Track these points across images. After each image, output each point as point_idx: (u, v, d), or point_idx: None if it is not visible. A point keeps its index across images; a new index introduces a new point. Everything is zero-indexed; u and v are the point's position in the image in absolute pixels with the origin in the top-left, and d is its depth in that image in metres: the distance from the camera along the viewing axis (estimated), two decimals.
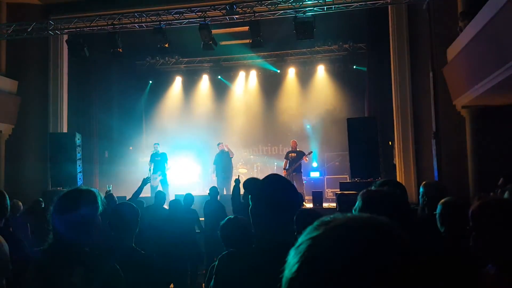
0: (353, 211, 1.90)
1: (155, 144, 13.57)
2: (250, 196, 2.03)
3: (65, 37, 12.80)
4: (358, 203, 1.90)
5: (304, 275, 0.73)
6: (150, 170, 13.06)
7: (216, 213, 7.79)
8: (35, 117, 13.12)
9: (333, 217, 0.81)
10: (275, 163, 15.30)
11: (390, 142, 12.59)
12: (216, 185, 12.79)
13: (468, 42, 8.52)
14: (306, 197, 11.96)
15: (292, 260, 0.77)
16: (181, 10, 11.62)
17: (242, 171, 15.23)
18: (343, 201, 6.72)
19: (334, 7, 10.81)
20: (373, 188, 2.01)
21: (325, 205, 11.22)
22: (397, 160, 11.75)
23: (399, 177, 11.22)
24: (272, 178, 2.04)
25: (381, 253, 0.72)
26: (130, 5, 12.27)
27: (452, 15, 9.42)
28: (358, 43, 15.17)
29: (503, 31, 7.39)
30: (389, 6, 11.57)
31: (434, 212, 3.21)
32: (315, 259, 0.74)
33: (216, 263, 1.97)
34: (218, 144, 13.41)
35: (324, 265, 0.72)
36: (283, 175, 12.33)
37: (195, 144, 15.89)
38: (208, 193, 8.37)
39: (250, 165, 15.56)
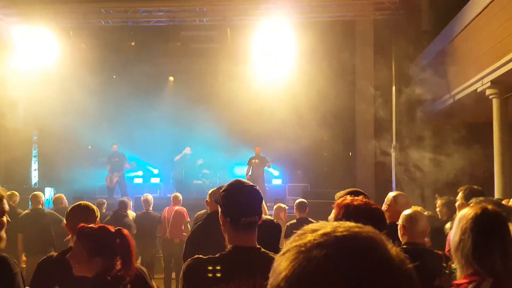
0: (328, 220, 1.92)
1: (113, 144, 13.33)
2: (219, 204, 2.02)
3: (27, 28, 12.37)
4: (334, 212, 1.91)
5: (292, 283, 0.72)
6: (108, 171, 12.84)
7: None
8: None
9: (320, 224, 0.80)
10: (238, 169, 15.26)
11: (350, 153, 12.78)
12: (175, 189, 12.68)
13: (431, 59, 8.79)
14: (268, 204, 11.97)
15: (278, 268, 0.76)
16: (150, 9, 11.47)
17: (205, 176, 15.14)
18: (302, 209, 6.80)
19: (303, 16, 10.93)
20: (348, 197, 2.02)
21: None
22: (357, 172, 11.95)
23: (358, 187, 11.39)
24: (236, 184, 2.04)
25: (372, 262, 0.71)
26: (96, 0, 12.00)
27: (417, 32, 9.70)
28: (324, 55, 15.31)
29: (464, 51, 7.67)
30: (356, 20, 11.79)
31: (396, 223, 3.30)
32: (303, 267, 0.72)
33: (184, 268, 1.94)
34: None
35: (312, 273, 0.70)
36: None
37: (156, 145, 15.67)
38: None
39: (214, 170, 15.48)
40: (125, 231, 2.36)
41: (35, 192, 7.51)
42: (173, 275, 7.95)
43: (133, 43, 11.83)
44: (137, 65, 16.92)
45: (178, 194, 8.48)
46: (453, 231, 1.96)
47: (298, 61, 16.26)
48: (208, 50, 14.88)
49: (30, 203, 7.34)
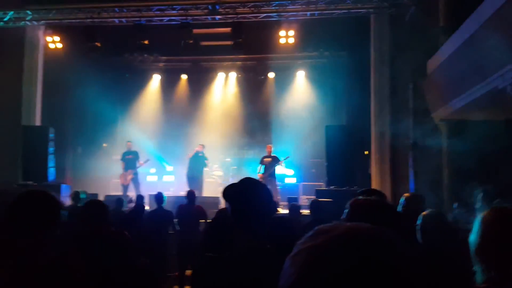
0: (341, 219, 1.85)
1: (127, 141, 13.40)
2: (228, 201, 2.00)
3: (42, 28, 12.54)
4: (347, 212, 1.84)
5: (303, 285, 0.71)
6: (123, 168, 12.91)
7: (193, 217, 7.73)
8: (7, 108, 12.76)
9: (332, 226, 0.78)
10: (250, 167, 15.22)
11: (366, 152, 12.63)
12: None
13: (449, 56, 8.61)
14: (281, 203, 11.90)
15: (289, 269, 0.74)
16: (162, 7, 11.50)
17: (218, 174, 15.10)
18: (316, 208, 6.69)
19: (317, 13, 10.83)
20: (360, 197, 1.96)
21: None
22: (373, 170, 11.80)
23: (374, 186, 11.27)
24: (247, 182, 2.03)
25: (385, 263, 0.70)
26: (110, 0, 12.07)
27: (434, 27, 9.52)
28: (339, 51, 15.22)
29: (484, 47, 7.48)
30: (372, 16, 11.64)
31: (415, 224, 3.22)
32: (315, 269, 0.71)
33: (194, 267, 1.92)
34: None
35: (325, 275, 0.69)
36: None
37: (170, 143, 15.75)
38: (186, 196, 8.26)
39: (226, 168, 15.44)
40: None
41: (76, 190, 8.05)
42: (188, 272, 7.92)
43: (146, 42, 11.84)
44: (150, 63, 17.03)
45: (193, 191, 8.48)
46: (474, 234, 1.90)
47: (312, 58, 16.23)
48: (220, 47, 14.86)
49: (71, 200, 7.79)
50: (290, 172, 14.82)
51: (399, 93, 11.27)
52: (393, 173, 11.34)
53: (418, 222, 3.20)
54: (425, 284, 0.72)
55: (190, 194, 8.17)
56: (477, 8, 7.60)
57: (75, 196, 7.78)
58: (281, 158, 12.49)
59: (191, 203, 8.02)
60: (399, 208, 3.71)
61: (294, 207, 7.31)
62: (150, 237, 7.20)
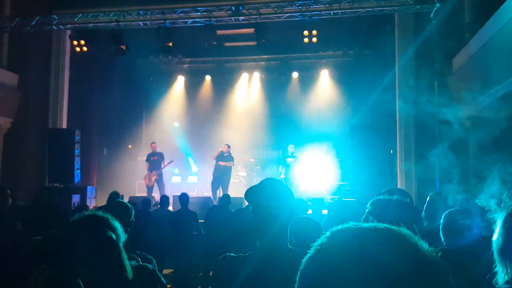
0: (362, 219, 1.84)
1: (152, 143, 13.52)
2: (249, 201, 2.00)
3: (68, 32, 12.77)
4: (367, 211, 1.83)
5: (320, 286, 0.71)
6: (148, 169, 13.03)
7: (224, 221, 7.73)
8: (35, 111, 13.02)
9: (347, 227, 0.79)
10: (273, 167, 15.18)
11: (392, 151, 12.49)
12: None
13: (475, 52, 8.45)
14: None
15: (304, 271, 0.75)
16: (186, 9, 11.58)
17: (242, 174, 15.12)
18: (340, 208, 6.64)
19: (341, 12, 10.76)
20: (381, 197, 1.94)
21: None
22: (398, 169, 11.67)
23: (400, 186, 11.13)
24: (268, 182, 2.01)
25: (406, 264, 0.70)
26: (135, 3, 12.22)
27: (459, 24, 9.35)
28: (363, 50, 15.10)
29: (509, 44, 7.32)
30: (396, 14, 11.51)
31: (438, 223, 3.18)
32: (328, 270, 0.71)
33: (214, 267, 1.93)
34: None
35: (341, 275, 0.70)
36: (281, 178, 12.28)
37: (194, 145, 15.84)
38: (219, 199, 8.31)
39: (250, 168, 15.44)
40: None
41: (115, 191, 8.14)
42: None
43: (170, 44, 11.95)
44: (175, 65, 17.17)
45: (229, 195, 8.48)
46: (497, 233, 1.87)
47: (336, 57, 16.13)
48: (244, 48, 14.90)
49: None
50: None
51: (424, 90, 11.10)
52: (419, 172, 11.18)
53: (441, 221, 3.15)
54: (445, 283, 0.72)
55: (225, 198, 8.21)
56: (503, 3, 7.45)
57: (116, 197, 7.81)
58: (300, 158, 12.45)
59: (224, 207, 8.03)
60: (424, 208, 3.66)
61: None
62: (174, 238, 7.25)
